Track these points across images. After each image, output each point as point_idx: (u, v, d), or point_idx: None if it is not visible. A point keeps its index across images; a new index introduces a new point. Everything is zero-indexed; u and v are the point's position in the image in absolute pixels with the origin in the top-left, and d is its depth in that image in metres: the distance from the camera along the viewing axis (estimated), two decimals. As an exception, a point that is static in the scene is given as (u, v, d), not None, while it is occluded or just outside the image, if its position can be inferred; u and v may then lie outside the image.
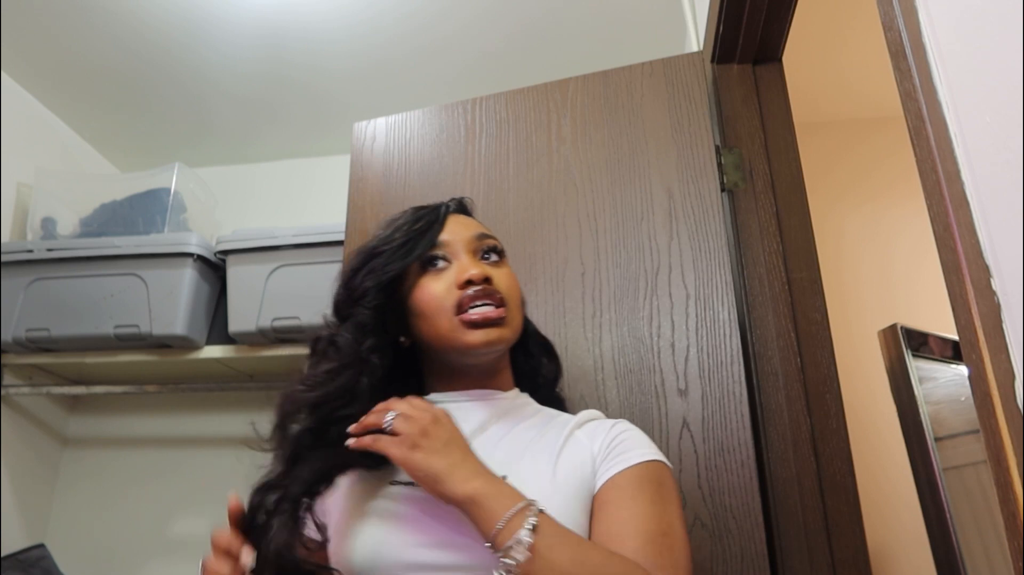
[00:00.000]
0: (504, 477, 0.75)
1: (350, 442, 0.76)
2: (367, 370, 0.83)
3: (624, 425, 0.86)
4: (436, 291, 0.86)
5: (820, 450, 1.10)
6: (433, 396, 0.91)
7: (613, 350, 1.18)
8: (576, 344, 1.20)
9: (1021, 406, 0.40)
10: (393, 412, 0.75)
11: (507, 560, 0.66)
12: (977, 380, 0.44)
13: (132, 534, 2.06)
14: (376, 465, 0.81)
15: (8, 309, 1.85)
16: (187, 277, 1.82)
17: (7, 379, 1.94)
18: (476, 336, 0.83)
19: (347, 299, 0.89)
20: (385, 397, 0.80)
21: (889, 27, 0.55)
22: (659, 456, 0.81)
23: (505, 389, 0.92)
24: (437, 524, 0.76)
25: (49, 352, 1.89)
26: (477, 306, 0.84)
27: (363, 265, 0.89)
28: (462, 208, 0.98)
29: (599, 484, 0.78)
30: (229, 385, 1.99)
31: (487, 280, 0.85)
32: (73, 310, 1.84)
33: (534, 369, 0.98)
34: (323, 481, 0.80)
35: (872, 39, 1.37)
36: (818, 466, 1.09)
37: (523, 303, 0.95)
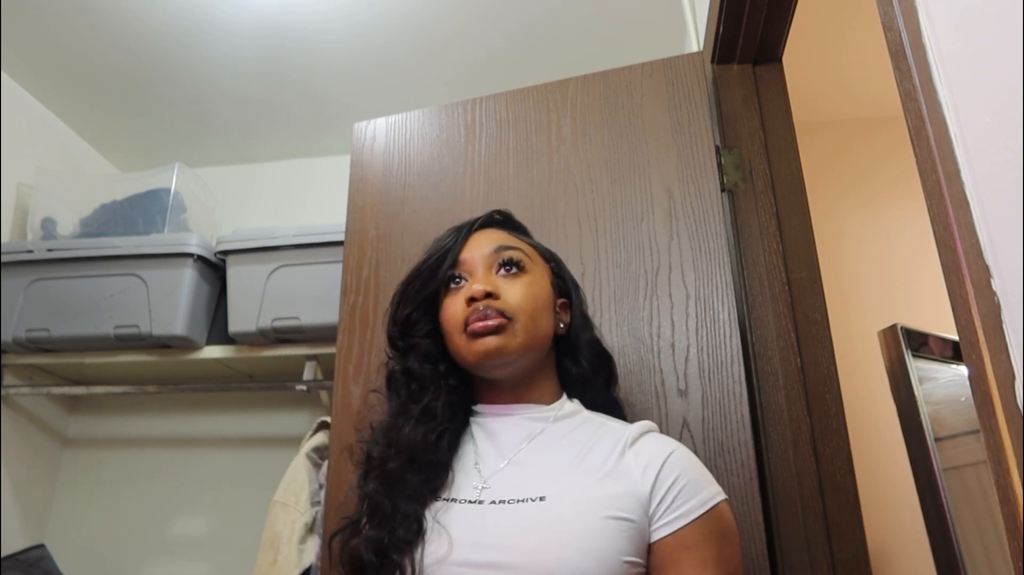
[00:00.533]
0: (543, 498, 0.77)
1: None
2: (445, 390, 0.90)
3: (679, 460, 0.81)
4: (453, 310, 0.89)
5: (820, 450, 1.10)
6: (478, 407, 0.93)
7: (613, 350, 1.17)
8: (576, 344, 1.20)
9: (1021, 406, 0.40)
10: None
11: None
12: (977, 380, 0.44)
13: (132, 534, 2.06)
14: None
15: (8, 309, 1.85)
16: (187, 277, 1.81)
17: (7, 379, 1.94)
18: (478, 346, 0.85)
19: (395, 329, 0.93)
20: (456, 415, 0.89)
21: (889, 27, 0.55)
22: (718, 494, 0.80)
23: (547, 401, 0.91)
24: (481, 529, 0.78)
25: (49, 352, 1.89)
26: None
27: (403, 293, 0.93)
28: (490, 222, 0.99)
29: (659, 534, 0.77)
30: (229, 385, 1.99)
31: (489, 295, 0.86)
32: (73, 310, 1.84)
33: (584, 376, 0.96)
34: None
35: (872, 39, 1.37)
36: (818, 466, 1.09)
37: (558, 310, 0.95)
